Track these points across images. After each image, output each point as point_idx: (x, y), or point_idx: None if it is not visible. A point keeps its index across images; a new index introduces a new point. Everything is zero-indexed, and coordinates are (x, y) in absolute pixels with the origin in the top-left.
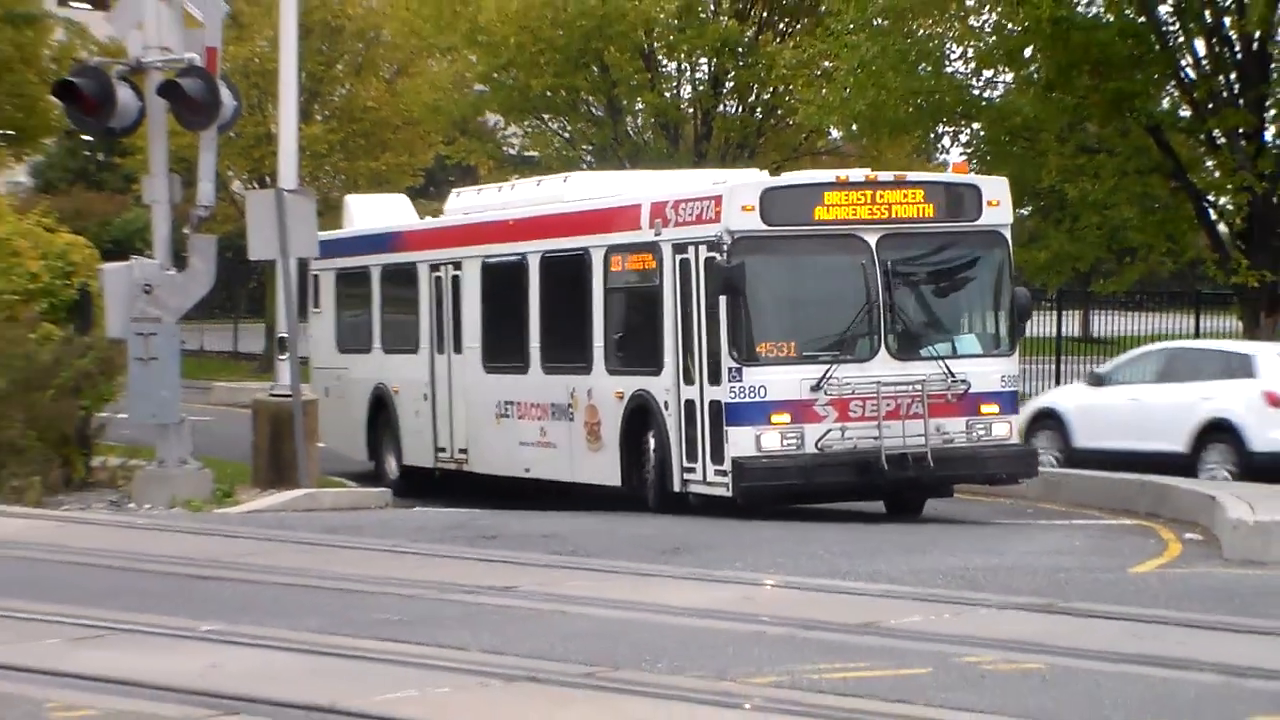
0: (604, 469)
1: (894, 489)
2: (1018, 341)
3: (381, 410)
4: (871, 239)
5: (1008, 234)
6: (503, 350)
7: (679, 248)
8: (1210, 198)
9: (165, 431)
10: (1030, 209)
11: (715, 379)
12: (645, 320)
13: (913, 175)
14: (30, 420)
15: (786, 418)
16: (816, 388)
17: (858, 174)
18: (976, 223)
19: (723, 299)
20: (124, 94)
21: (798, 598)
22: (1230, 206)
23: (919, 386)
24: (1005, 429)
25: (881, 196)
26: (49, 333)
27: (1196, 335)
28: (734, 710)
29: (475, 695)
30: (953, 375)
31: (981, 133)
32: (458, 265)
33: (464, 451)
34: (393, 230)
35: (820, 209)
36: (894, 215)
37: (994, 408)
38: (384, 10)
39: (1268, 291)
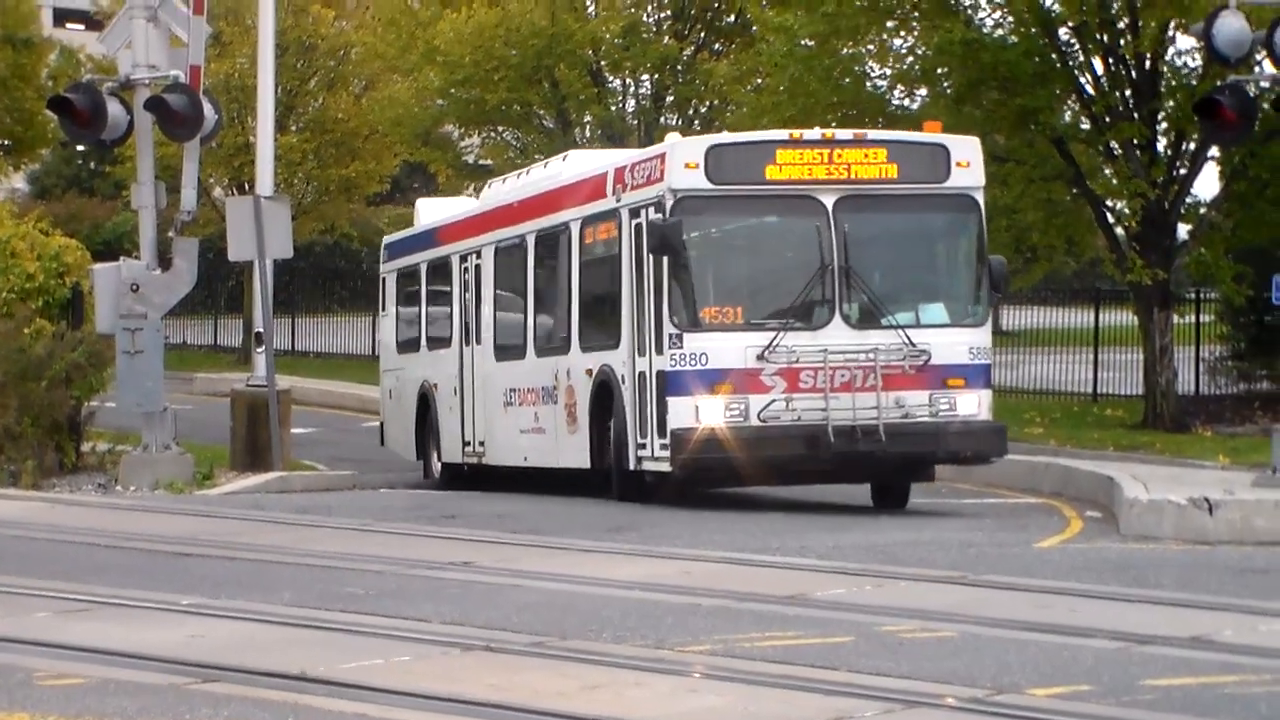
0: (578, 451)
1: (842, 464)
2: (989, 312)
3: (427, 409)
4: (828, 200)
5: (979, 197)
6: (508, 337)
7: (634, 212)
8: (1108, 203)
9: (150, 419)
10: None
11: (659, 347)
12: (609, 292)
13: (874, 133)
14: (25, 409)
15: (730, 388)
16: (762, 356)
17: (813, 131)
18: (944, 185)
19: (664, 261)
20: (114, 108)
21: (732, 571)
22: (1126, 211)
23: (872, 356)
24: (973, 404)
25: (839, 155)
26: (43, 328)
27: (1096, 328)
28: (672, 676)
29: (436, 663)
30: (911, 344)
31: None
32: (478, 254)
33: (482, 444)
34: (434, 226)
35: (772, 168)
36: (853, 176)
37: (960, 381)
38: (353, 31)
39: (1160, 289)
